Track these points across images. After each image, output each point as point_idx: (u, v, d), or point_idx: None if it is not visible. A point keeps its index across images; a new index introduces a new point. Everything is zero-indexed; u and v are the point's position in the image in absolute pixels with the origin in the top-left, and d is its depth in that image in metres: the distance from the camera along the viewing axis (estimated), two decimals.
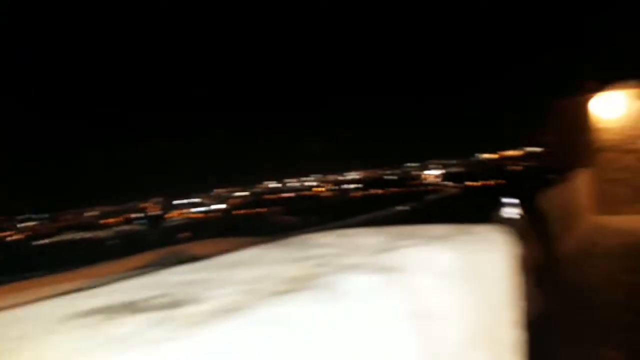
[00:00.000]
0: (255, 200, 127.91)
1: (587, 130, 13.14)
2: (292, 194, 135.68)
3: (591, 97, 13.01)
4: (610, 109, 12.82)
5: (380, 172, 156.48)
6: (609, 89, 12.80)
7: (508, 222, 3.20)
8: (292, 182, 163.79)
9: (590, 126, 13.08)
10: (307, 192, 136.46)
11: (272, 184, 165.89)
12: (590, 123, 13.07)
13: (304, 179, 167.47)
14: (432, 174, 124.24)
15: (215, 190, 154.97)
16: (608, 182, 12.79)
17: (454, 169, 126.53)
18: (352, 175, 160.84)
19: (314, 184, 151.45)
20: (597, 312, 5.99)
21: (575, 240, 10.14)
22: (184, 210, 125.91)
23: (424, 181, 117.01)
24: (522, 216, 3.27)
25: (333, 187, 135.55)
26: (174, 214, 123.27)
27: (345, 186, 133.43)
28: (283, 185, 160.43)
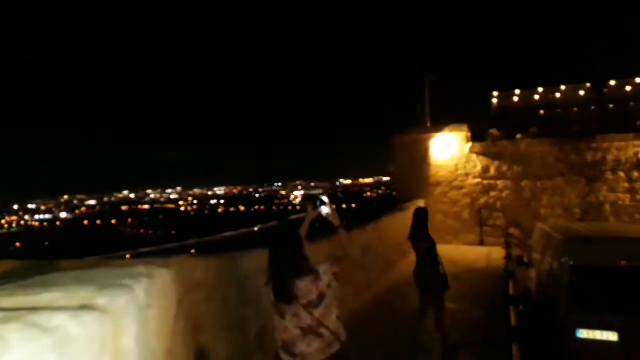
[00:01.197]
0: (110, 211, 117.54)
1: (424, 166, 14.35)
2: (151, 206, 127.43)
3: (430, 136, 14.28)
4: (444, 148, 14.16)
5: (246, 189, 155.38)
6: (444, 130, 14.16)
7: (323, 217, 3.13)
8: (153, 194, 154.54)
9: (428, 162, 14.31)
10: (168, 205, 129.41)
11: (131, 194, 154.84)
12: (428, 159, 14.30)
13: (166, 190, 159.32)
14: (296, 194, 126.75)
15: (64, 197, 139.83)
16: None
17: (316, 191, 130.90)
18: (218, 190, 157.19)
19: (176, 197, 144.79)
20: (420, 341, 6.27)
21: (408, 267, 10.82)
22: (25, 217, 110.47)
23: (288, 201, 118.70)
24: (333, 212, 3.20)
25: (196, 202, 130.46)
26: (9, 219, 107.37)
27: (210, 201, 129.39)
28: (142, 196, 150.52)
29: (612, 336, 5.49)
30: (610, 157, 12.43)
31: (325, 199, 3.27)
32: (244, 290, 4.18)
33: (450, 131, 14.07)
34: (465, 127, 14.09)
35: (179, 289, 2.96)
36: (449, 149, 14.07)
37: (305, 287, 2.80)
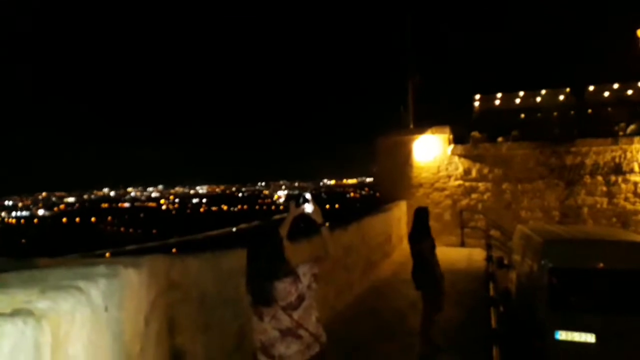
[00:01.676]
0: (90, 208, 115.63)
1: (407, 167, 14.37)
2: (131, 205, 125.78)
3: (413, 138, 14.31)
4: (426, 150, 14.21)
5: (229, 188, 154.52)
6: (427, 132, 14.21)
7: (306, 214, 3.06)
8: (134, 192, 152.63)
9: (410, 163, 14.33)
10: (149, 203, 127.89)
11: (111, 192, 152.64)
12: (410, 161, 14.33)
13: (147, 188, 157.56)
14: (279, 194, 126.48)
15: (42, 194, 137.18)
16: None
17: (299, 191, 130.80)
18: (200, 189, 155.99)
19: (157, 195, 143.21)
20: (400, 342, 6.25)
21: (390, 266, 10.84)
22: (1, 214, 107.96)
23: (271, 200, 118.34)
24: (316, 210, 3.14)
25: (177, 200, 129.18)
26: None
27: (191, 200, 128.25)
28: (123, 194, 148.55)
29: (589, 337, 5.54)
30: (588, 161, 12.62)
31: (308, 196, 3.19)
32: (223, 291, 4.09)
33: (433, 133, 14.12)
34: (447, 129, 14.16)
35: (150, 289, 2.87)
36: (431, 151, 14.12)
37: (284, 288, 2.75)
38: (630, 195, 12.20)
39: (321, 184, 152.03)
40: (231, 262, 4.17)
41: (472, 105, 19.50)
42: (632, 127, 13.05)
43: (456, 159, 13.92)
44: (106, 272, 2.03)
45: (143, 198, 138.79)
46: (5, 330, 1.37)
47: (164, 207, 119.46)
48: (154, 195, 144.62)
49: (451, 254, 12.30)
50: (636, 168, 12.15)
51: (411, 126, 15.15)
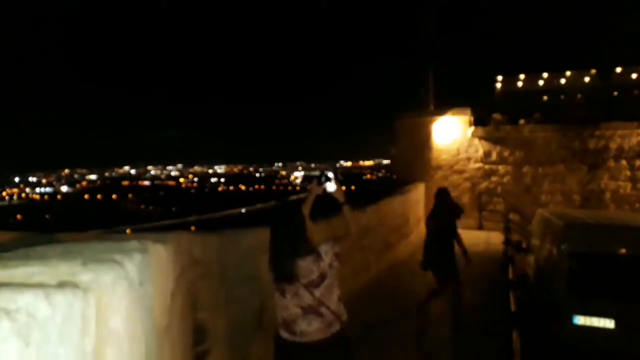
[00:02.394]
0: (111, 186, 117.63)
1: (426, 149, 14.26)
2: (151, 183, 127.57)
3: (433, 120, 14.15)
4: (446, 132, 14.05)
5: (246, 168, 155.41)
6: (447, 113, 14.03)
7: (328, 193, 3.10)
8: (153, 170, 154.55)
9: (429, 145, 14.21)
10: (168, 182, 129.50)
11: (132, 170, 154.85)
12: (430, 143, 14.20)
13: (167, 167, 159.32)
14: (296, 175, 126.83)
15: (64, 171, 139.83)
16: None
17: (316, 172, 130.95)
18: (218, 168, 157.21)
19: (176, 174, 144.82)
20: (412, 323, 6.31)
21: (407, 248, 10.87)
22: (26, 190, 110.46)
23: (287, 181, 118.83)
24: (338, 188, 3.17)
25: (196, 179, 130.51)
26: (10, 192, 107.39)
27: (210, 179, 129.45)
28: (143, 172, 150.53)
29: (608, 323, 5.51)
30: (613, 145, 12.34)
31: (331, 175, 3.19)
32: (244, 268, 4.16)
33: (453, 115, 13.94)
34: (468, 111, 13.95)
35: (176, 265, 2.92)
36: (451, 133, 13.96)
37: (306, 266, 2.80)
38: None
39: (338, 165, 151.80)
40: (251, 240, 4.23)
41: (494, 87, 19.18)
42: None
43: (476, 141, 13.75)
44: (139, 247, 2.06)
45: (163, 176, 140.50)
46: (57, 301, 1.39)
47: (183, 185, 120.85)
48: (173, 174, 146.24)
49: (469, 237, 12.17)
50: None
51: (431, 107, 14.97)
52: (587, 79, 17.87)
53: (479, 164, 13.72)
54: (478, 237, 12.14)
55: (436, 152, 14.14)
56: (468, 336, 5.94)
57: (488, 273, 8.79)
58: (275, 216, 3.02)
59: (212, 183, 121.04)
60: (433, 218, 6.26)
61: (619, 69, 17.64)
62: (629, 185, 12.21)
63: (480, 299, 7.38)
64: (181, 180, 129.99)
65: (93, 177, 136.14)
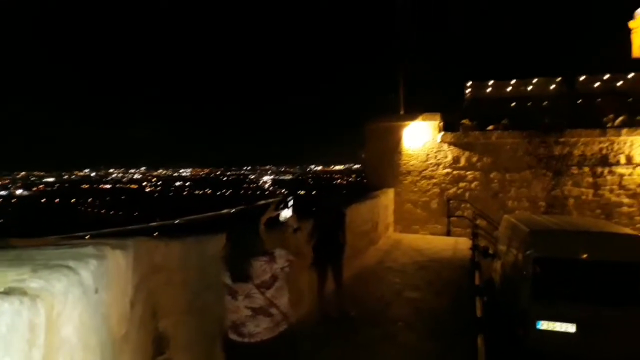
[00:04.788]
0: (69, 189, 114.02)
1: (396, 154, 14.34)
2: (113, 186, 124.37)
3: (403, 125, 14.25)
4: (416, 137, 14.17)
5: (213, 172, 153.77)
6: (417, 119, 14.16)
7: (283, 222, 3.18)
8: (115, 173, 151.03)
9: (399, 151, 14.30)
10: (131, 185, 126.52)
11: (92, 173, 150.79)
12: (399, 148, 14.29)
13: (129, 170, 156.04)
14: (265, 179, 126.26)
15: (20, 173, 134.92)
16: (408, 203, 14.13)
17: (286, 177, 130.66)
18: (183, 172, 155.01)
19: (139, 177, 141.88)
20: (383, 330, 6.25)
21: (376, 254, 10.85)
22: None
23: (256, 185, 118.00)
24: (293, 217, 3.27)
25: (160, 183, 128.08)
26: None
27: (175, 183, 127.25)
28: (104, 175, 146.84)
29: (570, 327, 5.61)
30: (576, 152, 12.71)
31: (290, 203, 3.33)
32: (207, 275, 4.03)
33: (423, 120, 14.08)
34: (438, 117, 14.11)
35: (136, 272, 2.82)
36: (421, 138, 14.09)
37: (259, 266, 2.91)
38: (615, 187, 12.35)
39: (308, 169, 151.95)
40: (215, 246, 4.14)
41: (463, 93, 19.50)
42: (620, 118, 13.16)
43: (445, 146, 13.92)
44: (95, 253, 1.97)
45: (125, 180, 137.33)
46: (2, 309, 1.31)
47: (146, 189, 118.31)
48: (136, 177, 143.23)
49: (437, 243, 12.37)
50: (622, 160, 12.29)
51: (401, 112, 15.08)
52: (553, 86, 18.42)
53: (448, 170, 13.89)
54: (446, 243, 12.26)
55: (406, 157, 14.24)
56: (435, 341, 5.92)
57: (455, 279, 8.85)
58: (234, 218, 3.21)
59: (177, 187, 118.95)
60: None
61: (582, 77, 18.28)
62: (590, 191, 12.59)
63: (447, 304, 7.40)
64: (144, 183, 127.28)
65: (50, 179, 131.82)
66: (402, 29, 14.95)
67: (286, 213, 3.30)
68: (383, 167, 14.43)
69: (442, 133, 13.98)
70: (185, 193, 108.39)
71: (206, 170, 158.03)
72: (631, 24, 38.54)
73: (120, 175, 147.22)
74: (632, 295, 5.58)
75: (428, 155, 14.07)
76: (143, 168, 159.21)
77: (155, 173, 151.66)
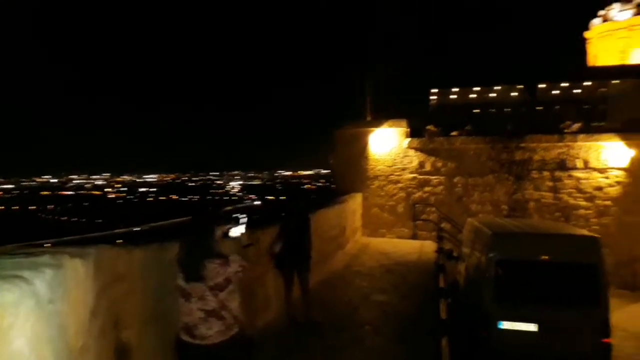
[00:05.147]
0: (29, 196, 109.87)
1: (363, 159, 14.47)
2: (75, 192, 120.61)
3: (370, 130, 14.41)
4: (383, 143, 14.35)
5: (180, 177, 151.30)
6: (384, 125, 14.34)
7: (232, 239, 3.20)
8: (78, 179, 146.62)
9: (366, 156, 14.44)
10: (94, 192, 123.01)
11: (53, 179, 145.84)
12: (366, 153, 14.44)
13: (92, 176, 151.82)
14: (233, 185, 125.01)
15: None
16: (375, 207, 14.28)
17: (254, 182, 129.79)
18: (149, 178, 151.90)
19: (103, 183, 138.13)
20: (350, 334, 6.27)
21: (343, 258, 10.90)
22: None
23: (224, 191, 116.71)
24: (246, 234, 3.31)
25: (124, 189, 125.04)
26: None
27: (140, 189, 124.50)
28: (66, 181, 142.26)
29: (531, 327, 5.79)
30: (536, 157, 13.14)
31: (243, 220, 3.38)
32: (170, 282, 3.96)
33: (390, 126, 14.27)
34: (404, 123, 14.33)
35: (96, 281, 2.75)
36: (387, 144, 14.27)
37: (213, 269, 2.95)
38: (573, 190, 12.82)
39: (276, 174, 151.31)
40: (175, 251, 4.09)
41: (429, 99, 19.82)
42: (577, 125, 13.69)
43: (411, 152, 14.14)
44: (51, 263, 1.90)
45: (87, 186, 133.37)
46: None
47: (109, 195, 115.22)
48: (99, 183, 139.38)
49: (403, 246, 12.53)
50: (579, 165, 12.78)
51: (368, 118, 15.24)
52: (514, 94, 18.95)
53: (414, 174, 14.11)
54: (412, 246, 12.43)
55: (373, 162, 14.39)
56: (401, 344, 5.99)
57: (421, 281, 8.98)
58: (191, 221, 3.23)
59: (141, 193, 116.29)
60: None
61: (542, 85, 18.90)
62: (550, 195, 13.02)
63: (413, 307, 7.50)
64: (108, 189, 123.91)
65: (9, 186, 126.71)
66: (370, 36, 15.16)
67: (237, 230, 3.33)
68: (351, 172, 14.54)
69: (409, 139, 14.21)
70: (150, 199, 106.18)
71: (172, 176, 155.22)
72: (587, 34, 40.29)
73: (83, 181, 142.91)
74: (589, 295, 5.80)
75: (395, 160, 14.26)
76: (106, 174, 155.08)
77: (119, 179, 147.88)
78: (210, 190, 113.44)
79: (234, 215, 3.39)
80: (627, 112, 14.43)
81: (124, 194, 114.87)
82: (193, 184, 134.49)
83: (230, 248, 3.47)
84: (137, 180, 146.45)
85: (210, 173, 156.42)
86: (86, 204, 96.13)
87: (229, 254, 3.10)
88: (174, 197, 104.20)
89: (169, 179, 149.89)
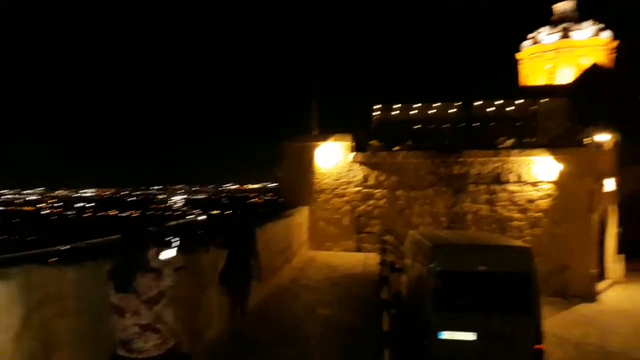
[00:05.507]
0: None
1: (310, 173, 14.57)
2: (5, 208, 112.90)
3: (316, 144, 14.55)
4: (328, 157, 14.52)
5: (119, 192, 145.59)
6: (330, 139, 14.54)
7: (163, 262, 3.15)
8: (8, 194, 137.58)
9: (312, 169, 14.55)
10: (26, 207, 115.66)
11: None
12: (313, 167, 14.55)
13: (24, 190, 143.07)
14: (177, 199, 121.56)
15: None
16: (321, 220, 14.37)
17: (199, 196, 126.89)
18: (86, 192, 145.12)
19: (36, 198, 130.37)
20: (296, 348, 6.24)
21: (290, 272, 10.86)
22: None
23: (167, 205, 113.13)
24: (177, 257, 3.28)
25: (60, 204, 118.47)
26: None
27: (76, 204, 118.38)
28: None
29: (470, 336, 6.01)
30: (473, 171, 13.74)
31: (175, 244, 3.38)
32: (106, 302, 3.79)
33: (335, 140, 14.48)
34: (349, 137, 14.59)
35: (22, 303, 2.59)
36: (333, 158, 14.46)
37: (146, 283, 2.97)
38: (507, 203, 13.49)
39: (221, 188, 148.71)
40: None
41: (372, 115, 20.34)
42: (510, 141, 14.48)
43: (356, 166, 14.39)
44: None
45: (19, 202, 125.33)
46: None
47: (43, 211, 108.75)
48: (32, 198, 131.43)
49: (348, 259, 12.67)
50: (513, 178, 13.48)
51: (315, 132, 15.39)
52: (452, 110, 19.81)
53: (359, 188, 14.34)
54: (357, 259, 12.59)
55: (319, 175, 14.51)
56: (346, 357, 6.03)
57: (365, 294, 9.09)
58: (125, 235, 3.21)
59: (78, 208, 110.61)
60: None
61: (478, 102, 19.89)
62: (487, 207, 13.63)
63: (357, 319, 7.57)
64: (42, 205, 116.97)
65: None
66: (315, 52, 15.40)
67: (168, 253, 3.31)
68: (298, 185, 14.58)
69: (353, 153, 14.46)
70: (87, 215, 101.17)
71: (111, 190, 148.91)
72: (518, 55, 42.89)
73: (14, 196, 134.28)
74: (522, 303, 6.11)
75: (340, 174, 14.46)
76: (40, 189, 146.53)
77: (53, 194, 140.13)
78: (152, 205, 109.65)
79: (167, 239, 3.36)
80: (555, 129, 15.45)
81: (60, 210, 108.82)
82: (133, 198, 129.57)
83: (163, 263, 3.43)
84: (74, 195, 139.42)
85: (152, 187, 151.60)
86: (17, 220, 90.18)
87: (162, 268, 3.11)
88: (113, 212, 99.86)
89: (107, 193, 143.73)
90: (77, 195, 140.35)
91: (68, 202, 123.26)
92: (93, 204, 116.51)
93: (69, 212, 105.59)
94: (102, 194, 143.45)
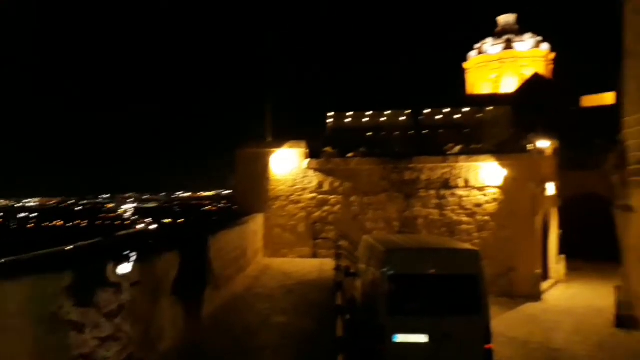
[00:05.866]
0: None
1: (264, 180, 14.52)
2: None
3: (271, 151, 14.53)
4: (283, 163, 14.53)
5: (64, 201, 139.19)
6: (284, 146, 14.56)
7: (121, 276, 3.14)
8: None
9: (267, 176, 14.51)
10: None
11: None
12: (267, 174, 14.51)
13: None
14: (126, 208, 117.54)
15: None
16: (277, 227, 14.33)
17: (150, 204, 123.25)
18: (29, 202, 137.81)
19: None
20: (251, 357, 6.18)
21: (245, 280, 10.73)
22: None
23: (116, 215, 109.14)
24: (134, 272, 3.30)
25: (1, 214, 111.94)
26: None
27: (19, 214, 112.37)
28: None
29: (423, 338, 6.17)
30: (423, 177, 14.14)
31: (133, 258, 3.43)
32: (54, 317, 3.61)
33: (290, 147, 14.51)
34: (303, 144, 14.67)
35: None
36: (288, 164, 14.48)
37: (107, 297, 3.07)
38: (456, 207, 13.95)
39: (174, 196, 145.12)
40: (59, 285, 3.71)
41: (326, 122, 20.54)
42: (457, 147, 15.02)
43: (311, 172, 14.47)
44: None
45: None
46: None
47: None
48: None
49: (304, 265, 12.68)
50: (461, 184, 13.97)
51: (269, 139, 15.36)
52: (402, 118, 20.35)
53: (314, 194, 14.42)
54: (313, 265, 12.61)
55: (274, 182, 14.48)
56: None
57: (321, 299, 9.11)
58: (85, 251, 3.40)
59: (20, 219, 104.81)
60: None
61: (427, 110, 20.54)
62: (437, 212, 14.05)
63: (312, 325, 7.57)
64: None
65: None
66: (269, 59, 15.41)
67: (125, 267, 3.33)
68: (253, 192, 14.48)
69: (308, 160, 14.54)
70: (30, 226, 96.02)
71: (56, 200, 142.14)
72: (465, 65, 44.56)
73: None
74: (471, 304, 6.33)
75: (295, 180, 14.48)
76: None
77: None
78: (100, 215, 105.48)
79: (124, 253, 3.38)
80: (500, 135, 16.15)
81: (0, 220, 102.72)
82: (80, 207, 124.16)
83: (121, 278, 3.41)
84: (16, 205, 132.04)
85: (100, 196, 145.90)
86: None
87: (121, 282, 3.18)
88: (59, 222, 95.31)
89: (52, 203, 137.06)
90: (19, 205, 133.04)
91: (9, 212, 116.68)
92: (36, 213, 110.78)
93: (11, 223, 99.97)
94: (47, 203, 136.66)
